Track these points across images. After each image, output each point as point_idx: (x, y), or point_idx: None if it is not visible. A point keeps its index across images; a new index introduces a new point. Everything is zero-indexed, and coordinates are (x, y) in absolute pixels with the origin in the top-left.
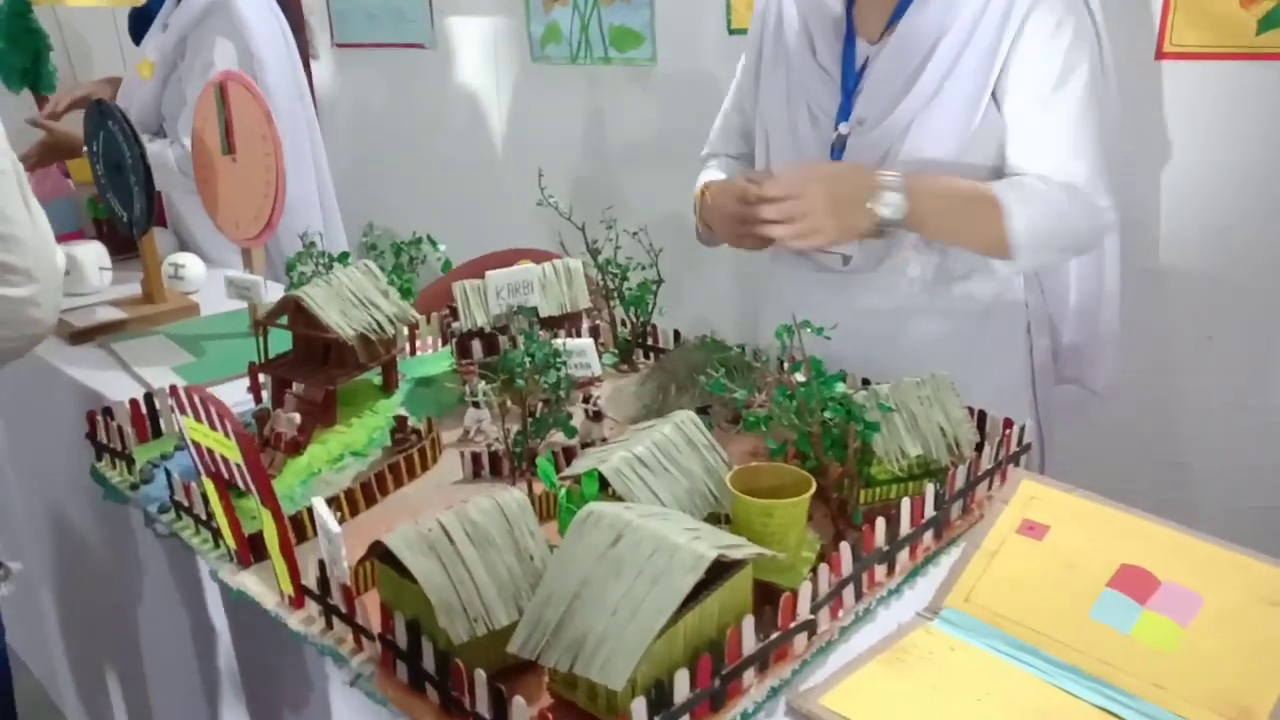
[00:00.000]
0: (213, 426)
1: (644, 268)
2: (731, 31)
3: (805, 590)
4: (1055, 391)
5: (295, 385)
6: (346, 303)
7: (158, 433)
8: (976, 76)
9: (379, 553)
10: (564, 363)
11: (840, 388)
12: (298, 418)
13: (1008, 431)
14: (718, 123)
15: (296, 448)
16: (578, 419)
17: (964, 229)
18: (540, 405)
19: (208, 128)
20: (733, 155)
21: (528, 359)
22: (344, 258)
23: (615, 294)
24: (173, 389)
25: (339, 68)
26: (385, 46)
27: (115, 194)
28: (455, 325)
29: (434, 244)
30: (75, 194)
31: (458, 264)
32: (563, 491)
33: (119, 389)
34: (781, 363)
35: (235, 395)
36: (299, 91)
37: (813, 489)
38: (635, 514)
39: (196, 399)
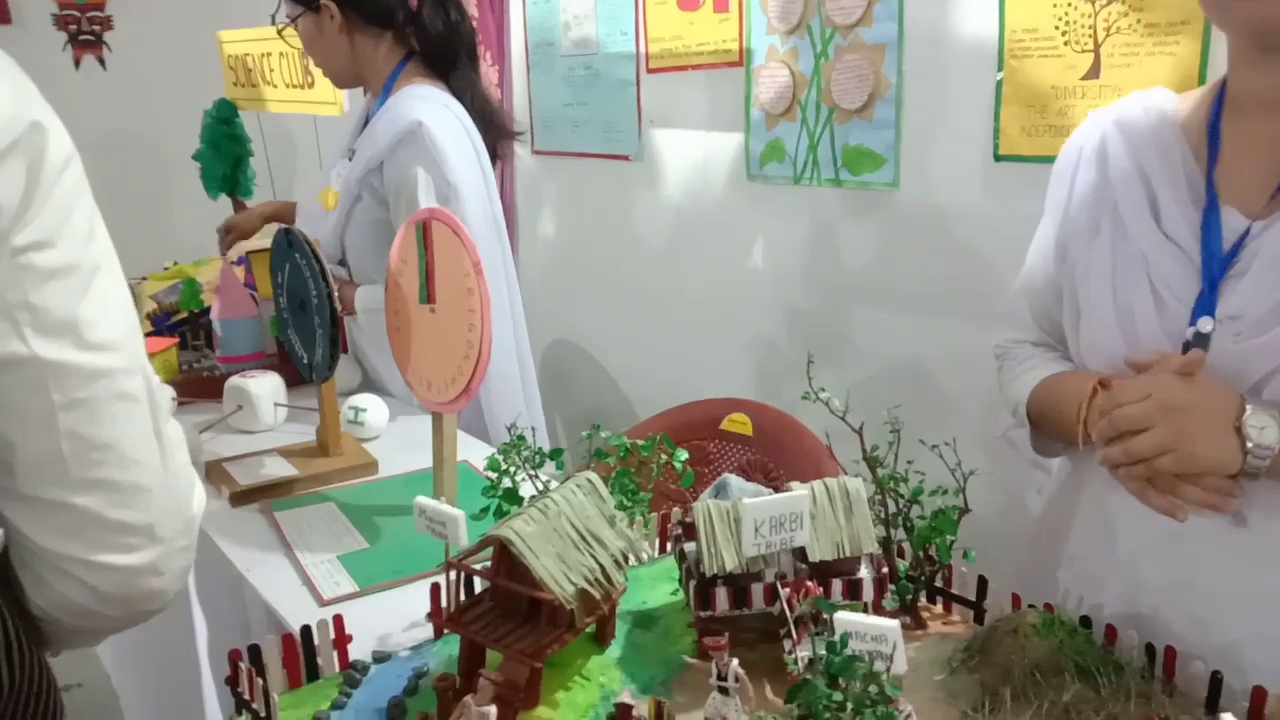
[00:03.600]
0: None
1: (944, 492)
2: (999, 158)
3: None
4: None
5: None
6: (566, 542)
7: (313, 673)
8: None
9: None
10: (885, 696)
11: None
12: (493, 714)
13: None
14: (1016, 301)
15: None
16: None
17: None
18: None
19: (405, 270)
20: (1047, 344)
21: (834, 703)
22: (557, 454)
23: (901, 521)
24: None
25: (536, 175)
26: (588, 156)
27: (297, 333)
28: (689, 549)
29: (670, 445)
30: (259, 313)
31: (654, 412)
32: None
33: (274, 576)
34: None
35: (409, 611)
36: (495, 225)
37: None
38: None
39: None
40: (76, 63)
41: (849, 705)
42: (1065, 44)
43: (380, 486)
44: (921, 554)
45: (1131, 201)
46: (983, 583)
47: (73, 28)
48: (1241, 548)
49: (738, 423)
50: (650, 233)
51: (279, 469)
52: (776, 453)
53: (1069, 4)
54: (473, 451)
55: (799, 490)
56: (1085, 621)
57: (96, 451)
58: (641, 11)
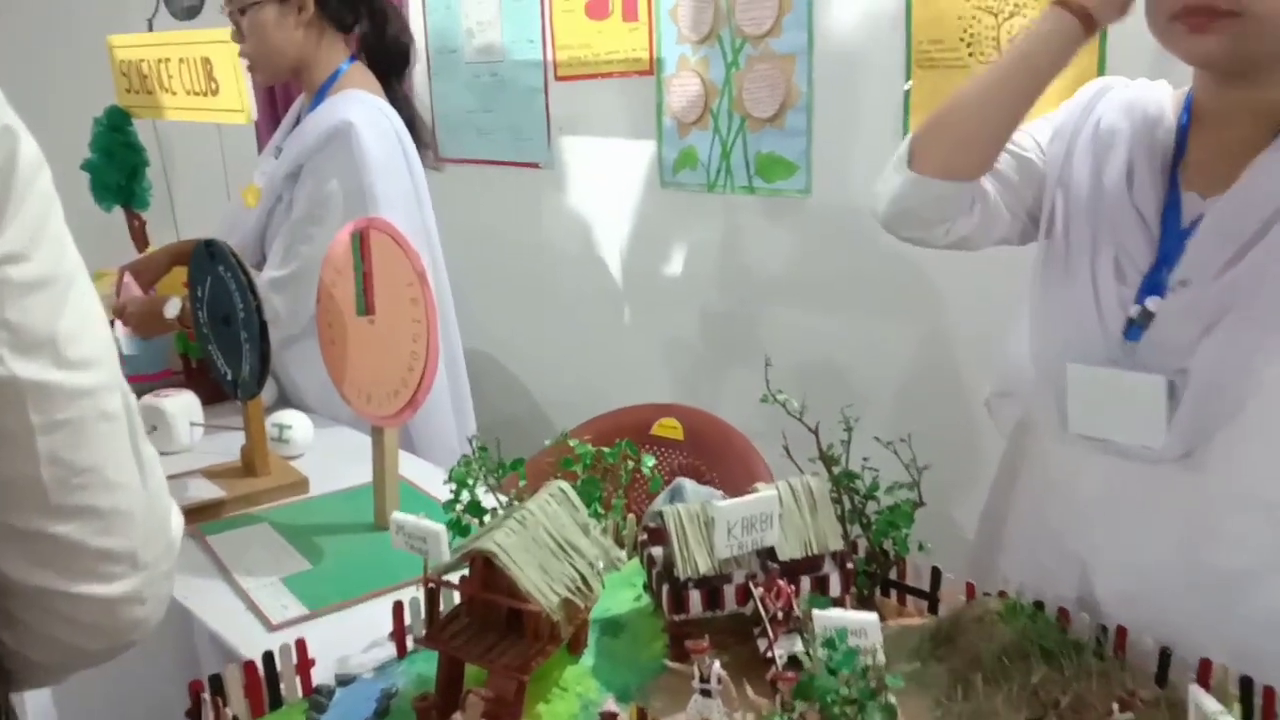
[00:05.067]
0: None
1: (900, 487)
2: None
3: None
4: None
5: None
6: (546, 552)
7: (276, 701)
8: None
9: None
10: (885, 686)
11: None
12: None
13: None
14: None
15: None
16: None
17: None
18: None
19: (340, 282)
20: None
21: (839, 691)
22: (518, 465)
23: (858, 518)
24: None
25: (440, 181)
26: (496, 164)
27: (220, 349)
28: (655, 554)
29: (633, 449)
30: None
31: (570, 419)
32: None
33: (215, 603)
34: None
35: (366, 632)
36: (426, 235)
37: None
38: None
39: None
40: None
41: (855, 698)
42: (970, 55)
43: (313, 505)
44: (878, 548)
45: (1115, 162)
46: (936, 574)
47: None
48: (1177, 529)
49: (668, 427)
50: (563, 239)
51: (204, 491)
52: (707, 455)
53: (973, 17)
54: (405, 466)
55: (767, 491)
56: (1039, 606)
57: (78, 476)
58: (548, 19)
